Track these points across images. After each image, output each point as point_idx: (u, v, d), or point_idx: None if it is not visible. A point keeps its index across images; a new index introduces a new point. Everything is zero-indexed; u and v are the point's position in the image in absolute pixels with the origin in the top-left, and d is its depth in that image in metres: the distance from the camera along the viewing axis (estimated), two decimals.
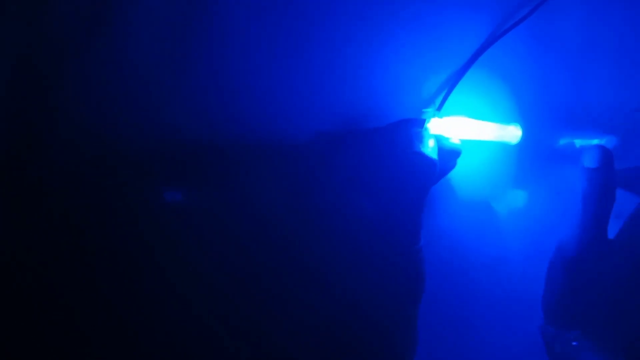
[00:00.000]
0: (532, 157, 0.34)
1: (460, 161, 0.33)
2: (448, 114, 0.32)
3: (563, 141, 0.36)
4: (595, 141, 0.33)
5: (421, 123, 0.31)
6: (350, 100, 0.33)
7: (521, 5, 0.33)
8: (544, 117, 0.34)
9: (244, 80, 0.32)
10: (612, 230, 0.32)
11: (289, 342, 0.29)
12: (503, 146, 0.34)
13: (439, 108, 0.32)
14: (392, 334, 0.29)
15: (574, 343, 0.31)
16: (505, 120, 0.34)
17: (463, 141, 0.33)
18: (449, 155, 0.32)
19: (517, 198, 0.33)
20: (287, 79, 0.32)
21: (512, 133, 0.34)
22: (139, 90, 0.31)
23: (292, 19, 0.32)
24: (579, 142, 0.36)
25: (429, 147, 0.30)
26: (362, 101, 0.33)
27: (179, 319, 0.28)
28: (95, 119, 0.30)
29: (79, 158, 0.30)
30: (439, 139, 0.31)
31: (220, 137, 0.31)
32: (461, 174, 0.34)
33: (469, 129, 0.33)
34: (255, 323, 0.29)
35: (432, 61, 0.33)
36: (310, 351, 0.29)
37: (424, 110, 0.32)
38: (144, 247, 0.29)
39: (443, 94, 0.33)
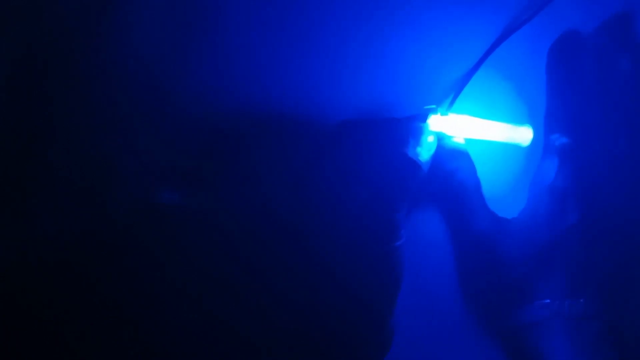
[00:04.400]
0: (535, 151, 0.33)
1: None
2: (454, 112, 0.32)
3: None
4: None
5: (423, 118, 0.31)
6: (356, 95, 0.33)
7: (531, 3, 0.32)
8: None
9: (247, 75, 0.32)
10: None
11: (272, 331, 0.29)
12: (512, 148, 0.33)
13: (449, 106, 0.32)
14: (366, 326, 0.30)
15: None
16: (517, 121, 0.33)
17: (473, 141, 0.33)
18: (452, 154, 0.32)
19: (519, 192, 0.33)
20: (293, 72, 0.32)
21: (523, 135, 0.33)
22: (143, 87, 0.31)
23: (301, 11, 0.32)
24: None
25: (425, 145, 0.30)
26: (369, 96, 0.33)
27: (179, 316, 0.29)
28: (97, 117, 0.31)
29: (81, 157, 0.31)
30: (440, 137, 0.31)
31: (225, 130, 0.32)
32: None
33: (477, 128, 0.32)
34: (251, 315, 0.29)
35: (444, 57, 0.33)
36: (292, 338, 0.29)
37: (426, 107, 0.32)
38: (145, 245, 0.30)
39: (453, 93, 0.32)
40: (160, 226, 0.30)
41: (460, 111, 0.32)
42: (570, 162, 0.31)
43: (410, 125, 0.31)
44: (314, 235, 0.30)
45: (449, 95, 0.33)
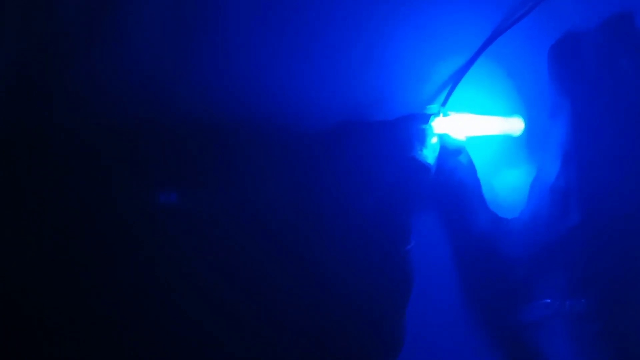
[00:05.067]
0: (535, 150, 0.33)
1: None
2: (452, 111, 0.32)
3: None
4: None
5: (425, 119, 0.31)
6: (356, 93, 0.33)
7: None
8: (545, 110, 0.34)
9: (248, 75, 0.31)
10: None
11: (284, 336, 0.29)
12: (504, 140, 0.34)
13: (444, 104, 0.32)
14: (378, 330, 0.30)
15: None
16: (507, 113, 0.33)
17: (472, 140, 0.33)
18: (452, 153, 0.32)
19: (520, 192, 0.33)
20: (293, 73, 0.32)
21: (515, 125, 0.33)
22: (141, 88, 0.31)
23: (299, 12, 0.32)
24: None
25: (430, 147, 0.30)
26: (368, 94, 0.33)
27: (177, 317, 0.29)
28: (96, 117, 0.31)
29: (80, 156, 0.30)
30: (442, 137, 0.31)
31: (223, 132, 0.31)
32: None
33: (474, 124, 0.32)
34: (253, 318, 0.29)
35: (439, 54, 0.33)
36: (303, 345, 0.29)
37: (428, 106, 0.31)
38: (143, 245, 0.30)
39: (447, 90, 0.32)
40: (159, 227, 0.30)
41: (451, 108, 0.32)
42: (572, 162, 0.31)
43: (414, 128, 0.31)
44: (322, 241, 0.30)
45: (444, 92, 0.32)
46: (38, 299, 0.29)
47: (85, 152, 0.31)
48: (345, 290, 0.30)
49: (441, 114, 0.31)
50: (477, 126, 0.32)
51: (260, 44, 0.31)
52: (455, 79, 0.32)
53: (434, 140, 0.31)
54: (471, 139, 0.33)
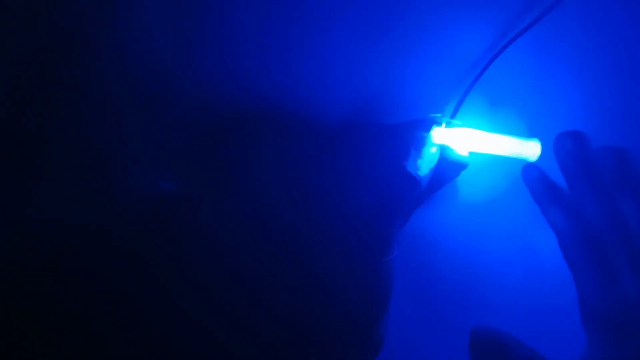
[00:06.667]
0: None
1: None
2: (458, 123, 0.30)
3: None
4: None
5: (426, 128, 0.29)
6: (358, 94, 0.32)
7: (529, 9, 0.31)
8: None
9: (250, 74, 0.31)
10: None
11: (263, 338, 0.28)
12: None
13: (452, 116, 0.31)
14: (351, 338, 0.29)
15: None
16: (525, 135, 0.31)
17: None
18: (453, 166, 0.30)
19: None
20: (294, 71, 0.32)
21: (531, 149, 0.31)
22: (145, 84, 0.31)
23: (304, 10, 0.31)
24: None
25: (427, 157, 0.29)
26: (371, 95, 0.32)
27: (175, 316, 0.28)
28: (98, 115, 0.31)
29: (83, 151, 0.31)
30: (443, 148, 0.30)
31: (222, 129, 0.31)
32: (465, 181, 0.33)
33: (482, 141, 0.31)
34: (248, 316, 0.29)
35: (447, 59, 0.32)
36: (277, 348, 0.29)
37: (431, 115, 0.30)
38: (144, 243, 0.29)
39: (455, 103, 0.31)
40: (160, 224, 0.30)
41: (465, 123, 0.31)
42: None
43: (413, 135, 0.29)
44: (306, 241, 0.29)
45: (451, 104, 0.31)
46: (39, 300, 0.29)
47: (88, 149, 0.31)
48: (322, 294, 0.28)
49: (443, 124, 0.29)
50: (485, 144, 0.30)
51: (265, 42, 0.31)
52: (466, 88, 0.31)
53: (433, 150, 0.29)
54: (480, 157, 0.31)
